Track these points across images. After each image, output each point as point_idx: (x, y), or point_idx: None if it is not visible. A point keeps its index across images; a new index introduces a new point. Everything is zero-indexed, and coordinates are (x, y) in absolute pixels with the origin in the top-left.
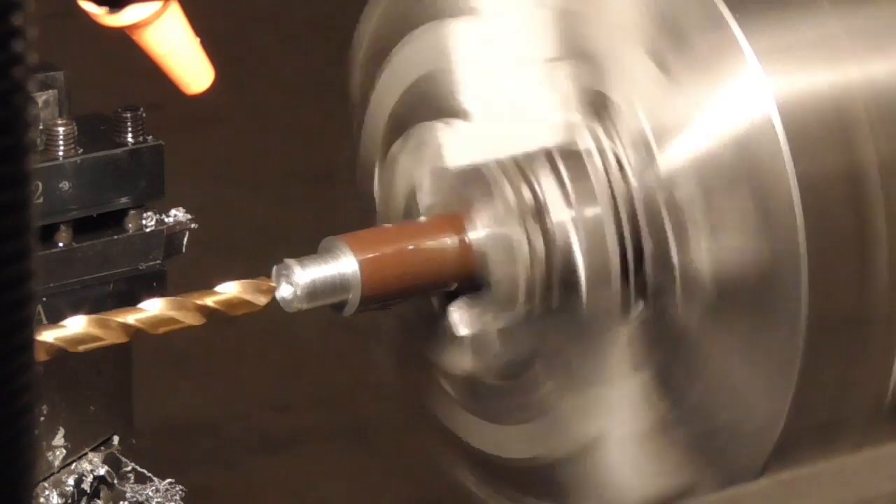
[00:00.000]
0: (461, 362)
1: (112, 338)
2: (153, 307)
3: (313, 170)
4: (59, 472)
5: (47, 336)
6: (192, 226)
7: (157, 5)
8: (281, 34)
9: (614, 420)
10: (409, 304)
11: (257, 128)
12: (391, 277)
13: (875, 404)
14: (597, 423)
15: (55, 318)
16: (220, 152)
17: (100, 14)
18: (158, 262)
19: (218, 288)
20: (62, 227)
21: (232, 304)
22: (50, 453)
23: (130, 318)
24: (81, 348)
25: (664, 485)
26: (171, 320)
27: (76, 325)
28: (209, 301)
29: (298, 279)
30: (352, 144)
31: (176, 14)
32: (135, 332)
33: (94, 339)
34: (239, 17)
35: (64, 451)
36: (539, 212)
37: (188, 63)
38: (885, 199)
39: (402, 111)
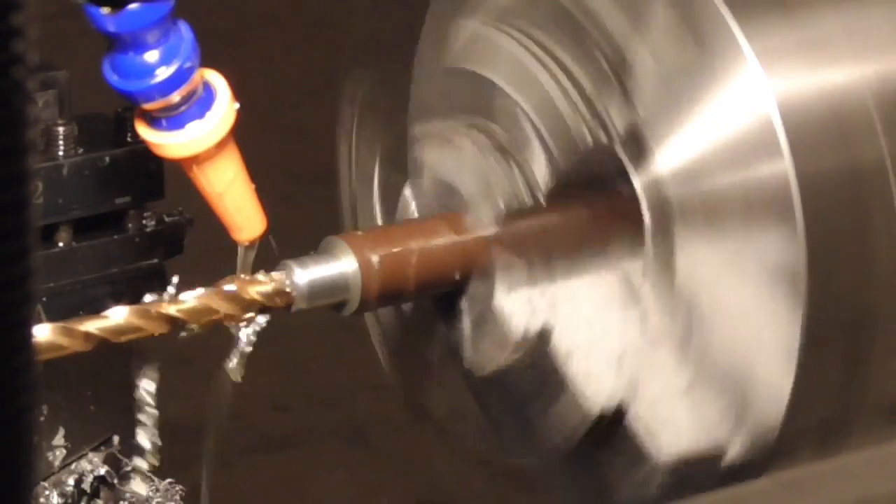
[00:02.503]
0: (459, 360)
1: (154, 328)
2: (192, 297)
3: (313, 170)
4: (59, 472)
5: (89, 326)
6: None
7: (215, 134)
8: (281, 34)
9: (642, 381)
10: (409, 304)
11: (257, 128)
12: (391, 277)
13: (875, 404)
14: (622, 386)
15: (55, 318)
16: None
17: (159, 143)
18: (158, 261)
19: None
20: (62, 227)
21: (269, 296)
22: (50, 453)
23: (172, 308)
24: (123, 338)
25: (700, 441)
26: (210, 311)
27: (118, 315)
28: (253, 291)
29: (298, 279)
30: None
31: (233, 155)
32: (176, 323)
33: (137, 329)
34: (239, 17)
35: (64, 451)
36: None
37: (241, 207)
38: (885, 199)
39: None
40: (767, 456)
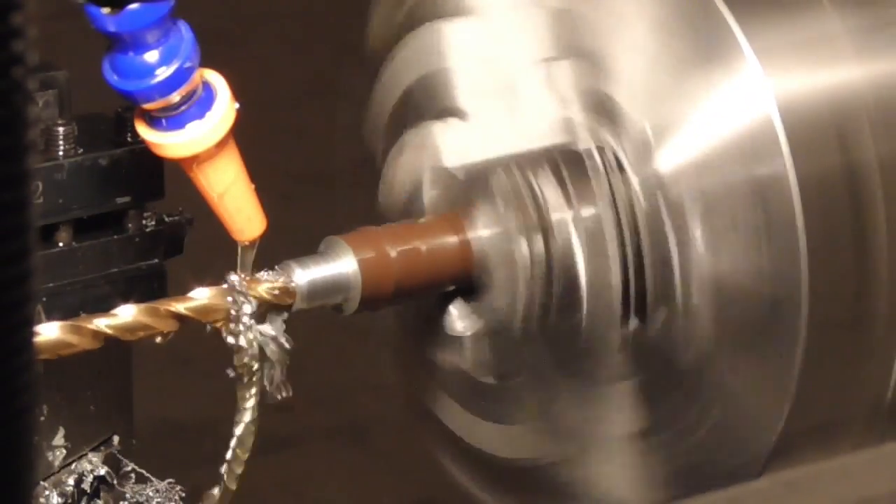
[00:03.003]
0: (460, 360)
1: (163, 326)
2: (201, 295)
3: (313, 170)
4: (59, 472)
5: (98, 324)
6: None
7: (215, 134)
8: (281, 34)
9: (608, 423)
10: (409, 304)
11: (257, 128)
12: (391, 277)
13: (875, 404)
14: (591, 426)
15: (55, 319)
16: None
17: (159, 143)
18: (158, 261)
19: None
20: (62, 227)
21: (278, 294)
22: (50, 453)
23: (181, 306)
24: (133, 336)
25: (652, 495)
26: (219, 309)
27: (127, 313)
28: (262, 290)
29: (298, 279)
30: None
31: (233, 155)
32: (185, 320)
33: (146, 327)
34: (239, 17)
35: (64, 451)
36: (539, 211)
37: (241, 208)
38: (885, 199)
39: (401, 111)
40: (767, 456)
